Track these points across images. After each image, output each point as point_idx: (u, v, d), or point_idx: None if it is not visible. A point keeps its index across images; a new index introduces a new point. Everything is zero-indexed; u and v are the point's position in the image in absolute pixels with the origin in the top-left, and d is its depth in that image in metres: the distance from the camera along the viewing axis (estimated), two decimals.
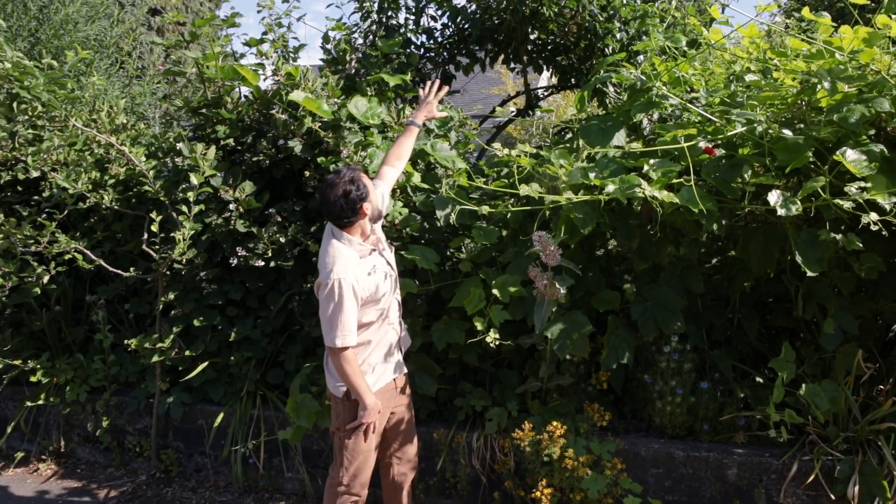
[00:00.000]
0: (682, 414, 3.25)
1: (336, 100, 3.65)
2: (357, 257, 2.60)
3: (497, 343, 2.80)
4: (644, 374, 3.31)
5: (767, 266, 2.98)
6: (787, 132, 2.63)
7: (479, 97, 14.72)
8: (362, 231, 2.67)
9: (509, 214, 3.18)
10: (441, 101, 3.42)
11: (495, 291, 3.00)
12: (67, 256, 3.71)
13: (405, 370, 2.92)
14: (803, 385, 2.90)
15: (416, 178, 3.49)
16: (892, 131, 2.73)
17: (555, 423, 3.01)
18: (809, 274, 2.61)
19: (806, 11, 2.67)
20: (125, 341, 3.79)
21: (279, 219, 3.60)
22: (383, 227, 3.44)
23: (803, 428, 3.04)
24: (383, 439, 2.90)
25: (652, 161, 2.74)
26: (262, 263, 3.54)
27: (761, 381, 3.36)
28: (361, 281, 2.56)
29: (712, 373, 3.37)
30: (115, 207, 3.77)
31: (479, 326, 2.93)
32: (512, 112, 5.74)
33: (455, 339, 3.25)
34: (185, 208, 3.43)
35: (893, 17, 2.78)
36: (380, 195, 2.83)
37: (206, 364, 3.78)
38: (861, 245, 2.53)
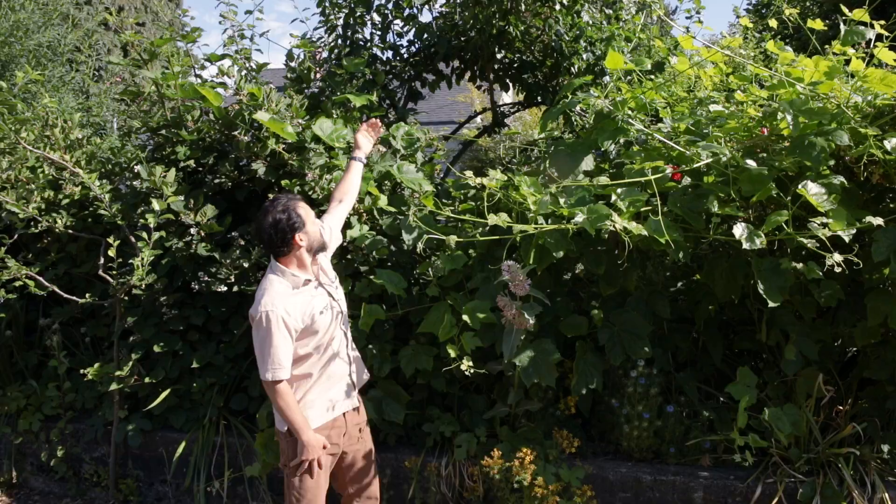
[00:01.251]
0: (649, 437, 3.27)
1: (300, 120, 3.58)
2: (289, 288, 2.55)
3: (468, 374, 2.77)
4: (611, 399, 3.33)
5: (732, 292, 3.02)
6: (751, 162, 2.67)
7: (444, 103, 14.75)
8: (299, 262, 2.60)
9: (478, 234, 3.16)
10: (406, 120, 3.39)
11: (465, 318, 2.98)
12: (18, 283, 3.55)
13: (358, 404, 2.81)
14: (766, 409, 2.94)
15: (383, 201, 3.45)
16: (851, 161, 2.80)
17: (524, 450, 3.00)
18: (771, 304, 2.66)
19: (771, 45, 2.71)
20: (81, 370, 3.65)
21: (242, 242, 3.51)
22: (346, 256, 3.39)
23: (766, 450, 3.09)
24: (343, 477, 2.83)
25: (619, 190, 2.76)
26: (225, 289, 3.45)
27: (724, 400, 3.42)
28: (293, 313, 2.49)
29: (678, 395, 3.40)
30: (70, 232, 3.63)
31: (452, 354, 2.90)
32: (478, 122, 5.74)
33: (423, 366, 3.22)
34: (144, 234, 3.31)
35: (851, 49, 2.85)
36: (327, 228, 2.79)
37: (167, 392, 3.67)
38: (821, 273, 2.58)
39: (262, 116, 3.34)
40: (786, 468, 3.04)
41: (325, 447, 2.61)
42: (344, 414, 2.73)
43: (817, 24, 2.97)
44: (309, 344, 2.58)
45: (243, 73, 4.22)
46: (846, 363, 3.40)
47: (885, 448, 3.05)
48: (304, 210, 2.59)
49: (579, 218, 2.61)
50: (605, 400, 3.40)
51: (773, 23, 2.74)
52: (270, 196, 3.52)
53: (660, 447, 3.31)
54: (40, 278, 3.57)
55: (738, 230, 2.54)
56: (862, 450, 3.00)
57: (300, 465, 2.58)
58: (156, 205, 3.18)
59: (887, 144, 2.52)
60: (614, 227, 2.50)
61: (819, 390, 3.05)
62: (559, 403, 3.37)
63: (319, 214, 2.91)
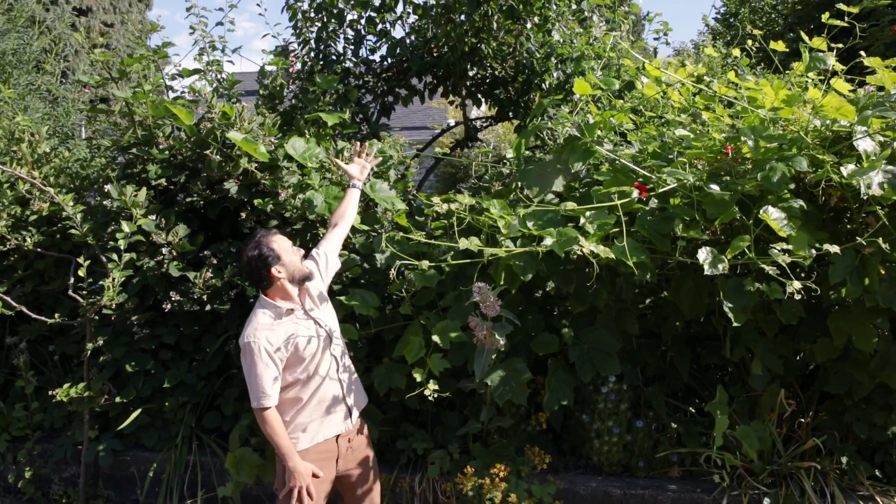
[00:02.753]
0: (619, 452, 3.34)
1: (273, 139, 3.57)
2: (272, 319, 2.62)
3: (436, 395, 2.80)
4: (582, 414, 3.39)
5: (698, 311, 3.09)
6: (715, 186, 2.74)
7: (417, 109, 14.75)
8: (283, 293, 2.67)
9: (450, 257, 3.19)
10: (378, 135, 3.42)
11: (435, 338, 3.01)
12: None
13: (351, 427, 2.80)
14: (736, 427, 3.03)
15: (356, 220, 3.46)
16: (810, 185, 2.89)
17: (498, 466, 3.04)
18: (735, 324, 2.74)
19: (732, 75, 2.79)
20: (50, 392, 3.60)
21: (214, 261, 3.50)
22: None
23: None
24: (350, 493, 2.86)
25: (588, 213, 2.81)
26: (198, 308, 3.44)
27: (693, 410, 3.52)
28: (275, 342, 2.57)
29: (646, 409, 3.47)
30: (39, 251, 3.59)
31: (418, 378, 2.93)
32: (452, 130, 5.76)
33: (396, 384, 3.25)
34: (115, 255, 3.29)
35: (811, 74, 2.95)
36: (322, 255, 2.85)
37: (139, 411, 3.64)
38: (783, 293, 2.66)
39: (234, 136, 3.33)
40: (750, 480, 3.13)
41: (315, 475, 2.63)
42: (337, 438, 2.75)
43: (779, 46, 3.08)
44: (297, 370, 2.64)
45: (214, 85, 4.20)
46: (807, 377, 3.50)
47: (844, 460, 3.16)
48: (279, 243, 2.64)
49: (548, 241, 2.66)
50: (576, 415, 3.46)
51: (735, 52, 2.82)
52: (243, 215, 3.52)
53: (629, 461, 3.38)
54: (8, 298, 3.53)
55: (703, 255, 2.61)
56: (822, 462, 3.11)
57: (290, 492, 2.60)
58: (126, 227, 3.16)
59: (844, 170, 2.61)
60: (582, 251, 2.55)
61: (782, 406, 3.15)
62: (531, 419, 3.42)
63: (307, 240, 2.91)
